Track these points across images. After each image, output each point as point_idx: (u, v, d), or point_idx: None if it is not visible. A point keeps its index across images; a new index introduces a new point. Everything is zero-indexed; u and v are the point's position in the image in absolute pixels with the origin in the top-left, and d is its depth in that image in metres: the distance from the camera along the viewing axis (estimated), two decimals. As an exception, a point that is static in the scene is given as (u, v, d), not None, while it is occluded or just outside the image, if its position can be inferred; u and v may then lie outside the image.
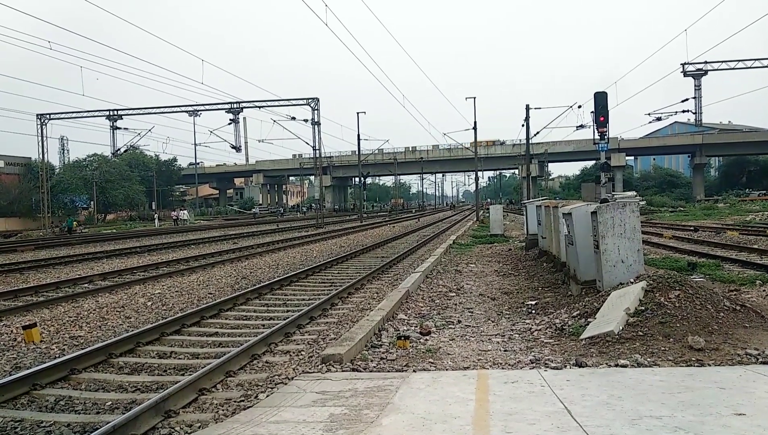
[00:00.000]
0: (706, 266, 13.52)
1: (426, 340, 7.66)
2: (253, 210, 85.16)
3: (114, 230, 48.46)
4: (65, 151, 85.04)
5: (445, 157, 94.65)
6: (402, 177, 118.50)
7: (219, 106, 53.43)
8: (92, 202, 68.63)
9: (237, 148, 69.59)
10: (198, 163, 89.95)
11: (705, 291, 7.48)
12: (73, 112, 49.84)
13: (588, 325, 7.42)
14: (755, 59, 59.56)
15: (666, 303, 7.11)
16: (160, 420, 5.04)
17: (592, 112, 17.91)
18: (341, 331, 8.18)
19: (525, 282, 12.95)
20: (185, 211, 69.08)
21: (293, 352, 7.27)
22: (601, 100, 15.96)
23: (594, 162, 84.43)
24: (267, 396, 5.54)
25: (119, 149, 67.37)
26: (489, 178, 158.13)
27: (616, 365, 5.97)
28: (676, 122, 78.43)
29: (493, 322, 8.94)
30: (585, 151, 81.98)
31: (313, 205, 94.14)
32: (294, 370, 6.40)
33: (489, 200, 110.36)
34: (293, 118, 46.91)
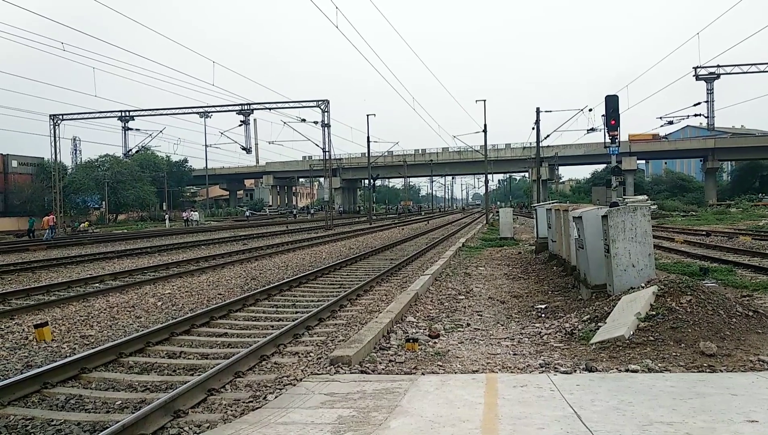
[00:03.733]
0: (719, 271, 13.41)
1: (435, 342, 7.64)
2: (246, 213, 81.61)
3: (125, 230, 48.84)
4: (77, 152, 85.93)
5: (454, 159, 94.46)
6: (411, 179, 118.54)
7: (230, 108, 53.62)
8: (104, 203, 69.18)
9: (247, 150, 69.97)
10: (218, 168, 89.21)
11: (717, 296, 7.40)
12: (85, 113, 50.20)
13: (598, 329, 7.37)
14: (769, 63, 59.03)
15: (677, 308, 7.05)
16: (169, 420, 5.05)
17: (603, 115, 17.85)
18: (350, 333, 8.18)
19: (535, 285, 12.89)
20: (196, 212, 69.30)
21: (302, 354, 7.28)
22: (612, 103, 15.91)
23: (605, 165, 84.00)
24: (276, 397, 5.55)
25: (131, 150, 67.79)
26: (499, 181, 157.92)
27: (627, 370, 5.93)
28: (688, 126, 77.92)
29: (502, 325, 8.91)
30: (596, 155, 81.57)
31: (323, 206, 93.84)
32: (303, 371, 6.41)
33: (498, 203, 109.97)
34: (303, 120, 47.08)
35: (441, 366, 6.45)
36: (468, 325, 8.93)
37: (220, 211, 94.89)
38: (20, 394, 5.77)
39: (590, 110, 56.28)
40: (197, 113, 56.95)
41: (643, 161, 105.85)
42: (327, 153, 46.85)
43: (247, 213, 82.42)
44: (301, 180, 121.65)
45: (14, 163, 68.78)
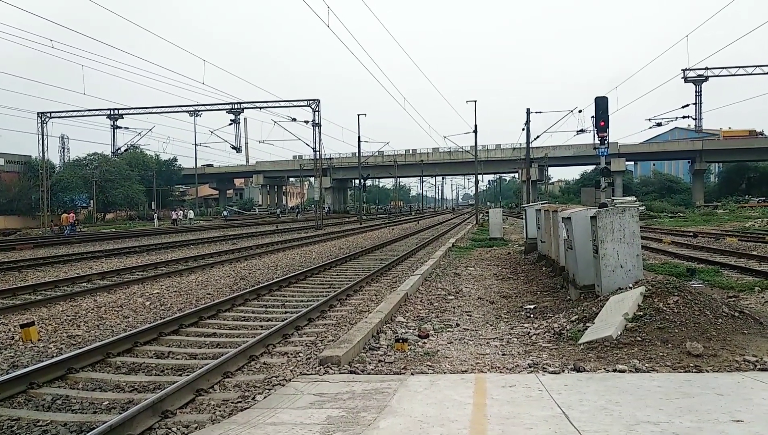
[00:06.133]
0: (705, 272, 13.54)
1: (424, 343, 7.65)
2: (224, 213, 78.12)
3: (113, 229, 48.47)
4: (66, 150, 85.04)
5: (445, 160, 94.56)
6: (402, 179, 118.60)
7: (220, 107, 53.54)
8: (92, 201, 68.66)
9: (237, 149, 69.73)
10: (211, 164, 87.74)
11: (704, 297, 7.48)
12: (74, 111, 49.92)
13: (586, 329, 7.41)
14: (756, 66, 59.76)
15: (665, 308, 7.11)
16: (157, 420, 5.03)
17: (592, 116, 17.95)
18: (339, 333, 8.17)
19: (524, 286, 12.94)
20: (191, 211, 68.73)
21: (291, 354, 7.26)
22: (601, 104, 16.01)
23: (594, 167, 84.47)
24: (264, 397, 5.53)
25: (119, 148, 67.47)
26: (489, 181, 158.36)
27: (615, 370, 5.96)
28: (676, 128, 78.58)
29: (491, 325, 8.94)
30: (585, 156, 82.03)
31: (309, 206, 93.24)
32: (292, 371, 6.39)
33: (488, 204, 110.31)
34: (294, 120, 47.06)
35: (430, 366, 6.46)
36: (457, 325, 8.95)
37: (209, 211, 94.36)
38: (6, 394, 5.71)
39: (580, 111, 56.75)
40: (187, 112, 56.77)
41: (632, 163, 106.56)
42: (317, 152, 46.81)
43: (224, 213, 78.83)
44: (291, 179, 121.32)
45: (1, 161, 68.19)
